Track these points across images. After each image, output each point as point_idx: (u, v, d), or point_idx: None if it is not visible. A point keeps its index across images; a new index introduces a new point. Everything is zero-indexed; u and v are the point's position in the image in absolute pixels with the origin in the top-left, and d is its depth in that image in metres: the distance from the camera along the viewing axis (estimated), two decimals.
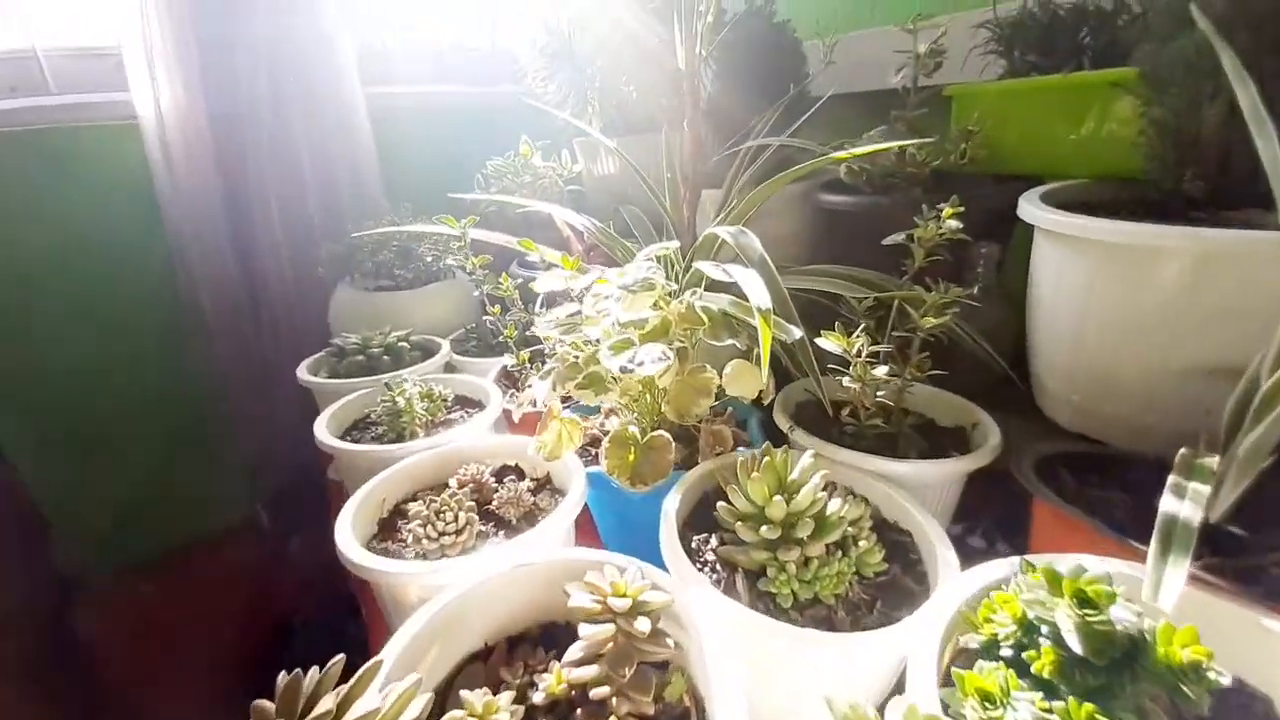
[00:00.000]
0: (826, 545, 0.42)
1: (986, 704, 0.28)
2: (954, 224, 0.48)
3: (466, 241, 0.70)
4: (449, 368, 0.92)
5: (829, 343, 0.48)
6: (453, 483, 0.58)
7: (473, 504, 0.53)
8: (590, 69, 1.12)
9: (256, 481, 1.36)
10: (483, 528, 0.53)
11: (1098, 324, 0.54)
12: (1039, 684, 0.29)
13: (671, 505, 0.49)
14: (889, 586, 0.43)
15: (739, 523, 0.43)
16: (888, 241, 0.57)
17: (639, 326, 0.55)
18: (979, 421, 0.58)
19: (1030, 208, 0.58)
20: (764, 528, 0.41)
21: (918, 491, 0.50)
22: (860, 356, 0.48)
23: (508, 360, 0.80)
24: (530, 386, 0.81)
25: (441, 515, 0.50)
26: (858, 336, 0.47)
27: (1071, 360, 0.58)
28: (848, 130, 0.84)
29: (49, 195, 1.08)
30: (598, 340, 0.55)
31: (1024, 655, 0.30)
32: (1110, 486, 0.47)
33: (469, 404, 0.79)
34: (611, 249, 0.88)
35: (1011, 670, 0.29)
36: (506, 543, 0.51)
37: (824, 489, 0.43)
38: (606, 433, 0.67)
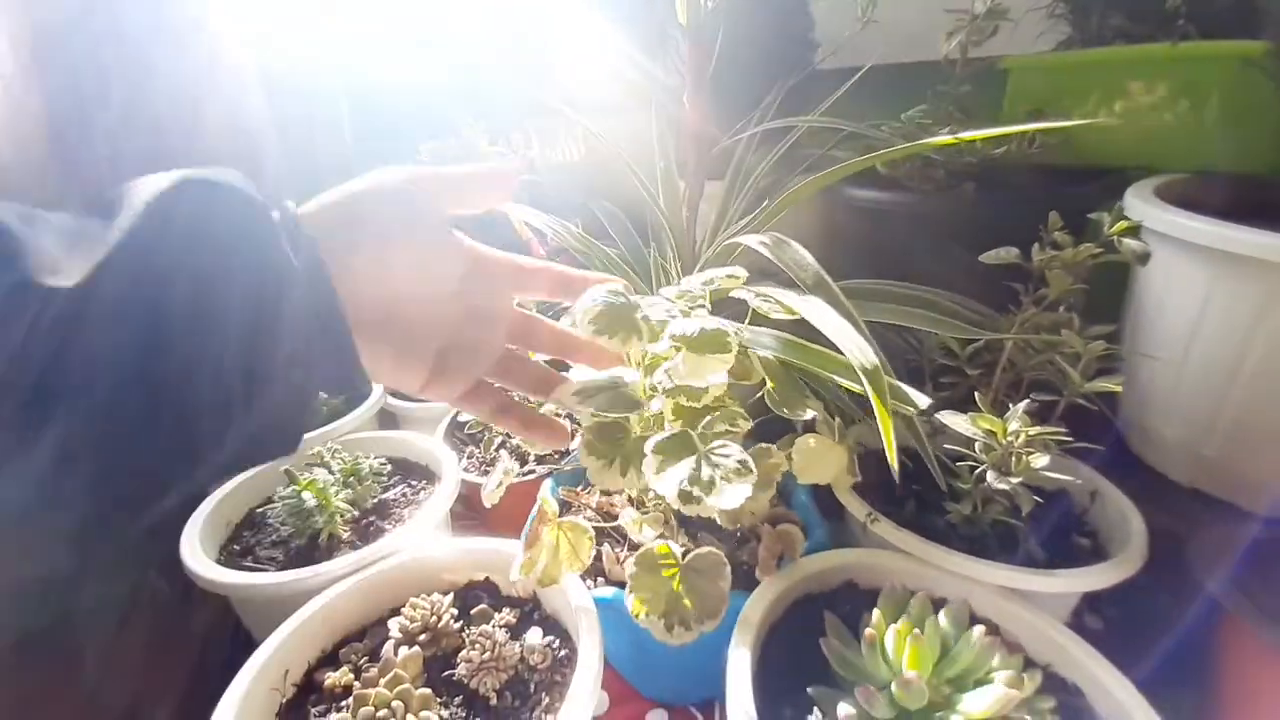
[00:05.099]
0: None
1: None
2: (1137, 245, 0.33)
3: None
4: (384, 416, 0.71)
5: (965, 425, 0.33)
6: (395, 629, 0.39)
7: (424, 692, 0.34)
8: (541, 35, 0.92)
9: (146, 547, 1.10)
10: (447, 716, 0.34)
11: (1261, 364, 0.42)
12: None
13: (740, 671, 0.33)
14: None
15: None
16: (990, 259, 0.42)
17: (693, 397, 0.38)
18: (1098, 490, 0.45)
19: (1163, 214, 0.44)
20: None
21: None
22: (1017, 443, 0.33)
23: None
24: (500, 453, 0.62)
25: None
26: (1015, 417, 0.32)
27: (1213, 409, 0.46)
28: (874, 108, 0.68)
29: None
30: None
31: None
32: None
33: (412, 472, 0.60)
34: (589, 257, 0.70)
35: None
36: None
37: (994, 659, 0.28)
38: (612, 519, 0.50)
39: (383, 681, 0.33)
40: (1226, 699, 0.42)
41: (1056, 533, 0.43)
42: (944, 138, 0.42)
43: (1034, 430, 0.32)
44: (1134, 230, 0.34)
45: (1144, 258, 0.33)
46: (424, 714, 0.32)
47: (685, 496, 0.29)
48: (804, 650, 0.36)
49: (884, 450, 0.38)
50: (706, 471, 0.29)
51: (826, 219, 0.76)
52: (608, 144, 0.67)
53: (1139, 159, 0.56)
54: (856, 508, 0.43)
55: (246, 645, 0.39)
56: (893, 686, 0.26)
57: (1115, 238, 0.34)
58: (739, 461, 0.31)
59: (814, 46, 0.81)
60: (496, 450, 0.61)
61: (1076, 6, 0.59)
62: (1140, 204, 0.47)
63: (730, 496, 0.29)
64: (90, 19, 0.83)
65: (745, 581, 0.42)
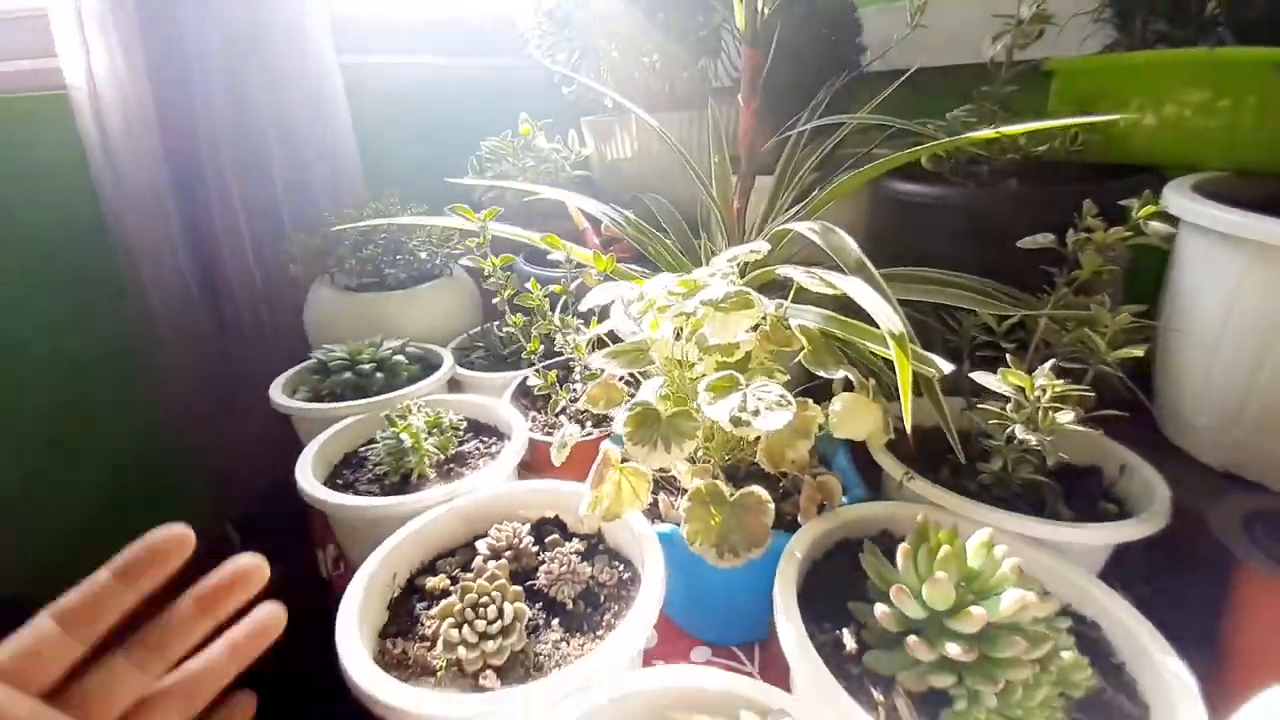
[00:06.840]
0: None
1: None
2: (1161, 227, 0.37)
3: (486, 238, 0.57)
4: (453, 384, 0.78)
5: (998, 383, 0.37)
6: (482, 547, 0.45)
7: (516, 589, 0.40)
8: (601, 40, 0.99)
9: (225, 500, 1.21)
10: (531, 615, 0.40)
11: None
12: None
13: (787, 588, 0.38)
14: (1099, 710, 0.33)
15: (910, 635, 0.31)
16: (1027, 244, 0.46)
17: (727, 353, 0.43)
18: (1127, 464, 0.48)
19: (1198, 206, 0.47)
20: (950, 644, 0.30)
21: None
22: (1044, 399, 0.37)
23: (530, 376, 0.67)
24: (560, 419, 0.69)
25: (480, 609, 0.37)
26: (1042, 374, 0.36)
27: (1242, 392, 0.48)
28: (918, 110, 0.72)
29: None
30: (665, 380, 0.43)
31: None
32: None
33: (483, 430, 0.66)
34: (642, 244, 0.75)
35: None
36: (569, 648, 0.38)
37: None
38: (665, 474, 0.55)
39: (480, 579, 0.39)
40: (1256, 664, 0.44)
41: (1084, 499, 0.46)
42: (987, 132, 0.46)
43: (1060, 385, 0.36)
44: (1161, 214, 0.38)
45: (1168, 238, 0.37)
46: (517, 605, 0.38)
47: (736, 421, 0.34)
48: (843, 582, 0.40)
49: (926, 428, 0.42)
50: (752, 402, 0.34)
51: (871, 212, 0.80)
52: (668, 140, 0.73)
53: (1179, 158, 0.59)
54: (892, 466, 0.47)
55: (319, 602, 0.43)
56: (923, 589, 0.30)
57: (1142, 220, 0.37)
58: (779, 395, 0.36)
59: (861, 50, 0.85)
60: (558, 414, 0.67)
61: (1121, 10, 0.62)
62: (1177, 197, 0.50)
63: (774, 419, 0.34)
64: (200, 23, 0.93)
65: (788, 531, 0.47)
